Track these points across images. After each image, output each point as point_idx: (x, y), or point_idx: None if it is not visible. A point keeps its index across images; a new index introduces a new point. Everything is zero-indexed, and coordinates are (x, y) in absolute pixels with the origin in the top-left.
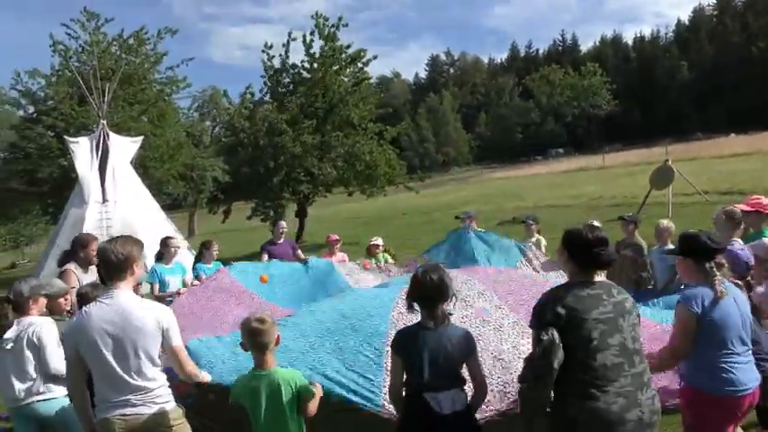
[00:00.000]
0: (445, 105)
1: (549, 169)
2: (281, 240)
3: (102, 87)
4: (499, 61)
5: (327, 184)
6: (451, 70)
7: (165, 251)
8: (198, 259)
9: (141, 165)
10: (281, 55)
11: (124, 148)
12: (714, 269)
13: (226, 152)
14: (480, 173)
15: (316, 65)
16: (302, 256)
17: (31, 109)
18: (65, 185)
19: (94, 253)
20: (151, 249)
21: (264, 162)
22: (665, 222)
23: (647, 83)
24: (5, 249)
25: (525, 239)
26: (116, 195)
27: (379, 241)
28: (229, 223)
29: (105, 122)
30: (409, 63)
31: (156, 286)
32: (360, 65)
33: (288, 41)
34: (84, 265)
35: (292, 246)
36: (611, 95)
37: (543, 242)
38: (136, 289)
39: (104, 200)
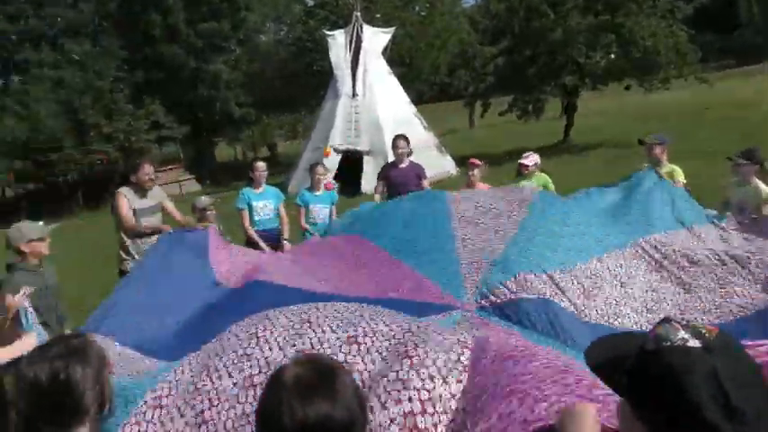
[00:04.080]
0: None
1: None
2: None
3: None
4: None
5: (596, 75)
6: None
7: (252, 175)
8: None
9: (408, 55)
10: None
11: (376, 39)
12: None
13: (488, 40)
14: None
15: None
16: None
17: (311, 3)
18: None
19: (147, 177)
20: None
21: (521, 51)
22: None
23: None
24: (288, 138)
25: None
26: (365, 89)
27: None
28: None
29: (359, 14)
30: None
31: (246, 213)
32: None
33: None
34: (139, 190)
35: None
36: None
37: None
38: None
39: (354, 93)
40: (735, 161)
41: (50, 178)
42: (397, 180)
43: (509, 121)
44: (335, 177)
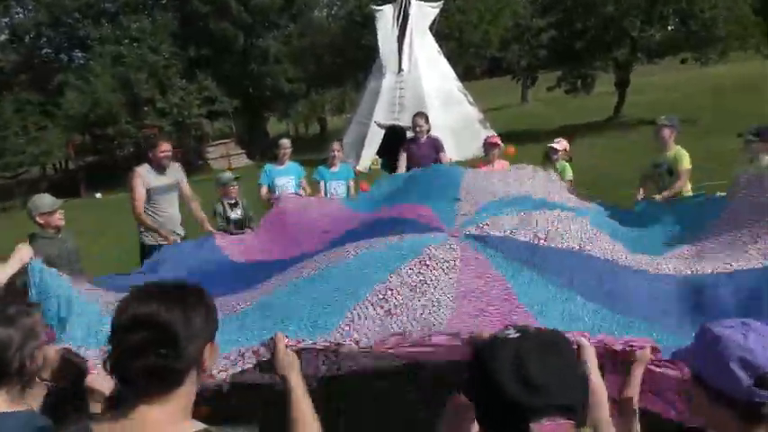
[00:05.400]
0: None
1: None
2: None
3: None
4: None
5: (650, 48)
6: None
7: (276, 151)
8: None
9: (458, 29)
10: None
11: (423, 14)
12: None
13: (539, 13)
14: None
15: None
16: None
17: None
18: None
19: (164, 155)
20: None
21: (571, 25)
22: None
23: None
24: (335, 113)
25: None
26: (411, 65)
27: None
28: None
29: None
30: None
31: (264, 189)
32: None
33: None
34: (157, 168)
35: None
36: None
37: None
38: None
39: (399, 69)
40: (745, 138)
41: (107, 152)
42: (417, 154)
43: (562, 96)
44: (379, 152)
